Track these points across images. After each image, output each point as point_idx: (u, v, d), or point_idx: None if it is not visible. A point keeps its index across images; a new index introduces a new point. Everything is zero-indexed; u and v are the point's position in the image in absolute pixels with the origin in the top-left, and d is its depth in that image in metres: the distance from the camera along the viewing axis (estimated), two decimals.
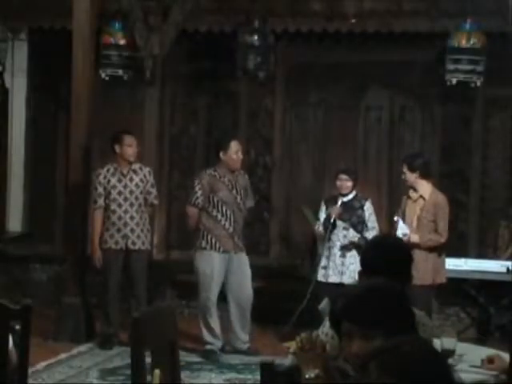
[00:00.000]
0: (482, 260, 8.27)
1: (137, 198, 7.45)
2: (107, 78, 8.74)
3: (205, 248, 7.27)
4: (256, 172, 9.30)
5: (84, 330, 7.62)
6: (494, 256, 8.51)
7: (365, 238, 7.41)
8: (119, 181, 7.45)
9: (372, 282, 2.90)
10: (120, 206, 7.41)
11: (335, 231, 7.52)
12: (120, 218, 7.40)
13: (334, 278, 7.44)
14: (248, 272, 7.37)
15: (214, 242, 7.26)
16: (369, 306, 2.63)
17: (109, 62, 8.68)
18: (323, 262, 7.54)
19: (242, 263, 7.35)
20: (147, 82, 8.52)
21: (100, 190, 7.44)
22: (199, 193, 7.30)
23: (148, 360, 3.35)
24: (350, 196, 7.58)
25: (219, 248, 7.27)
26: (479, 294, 8.24)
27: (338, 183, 7.56)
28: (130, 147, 7.47)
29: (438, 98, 8.96)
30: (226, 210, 7.27)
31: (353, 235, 7.49)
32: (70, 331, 7.57)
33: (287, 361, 3.75)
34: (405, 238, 6.77)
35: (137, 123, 8.77)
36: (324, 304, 7.64)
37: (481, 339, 7.82)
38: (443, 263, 7.18)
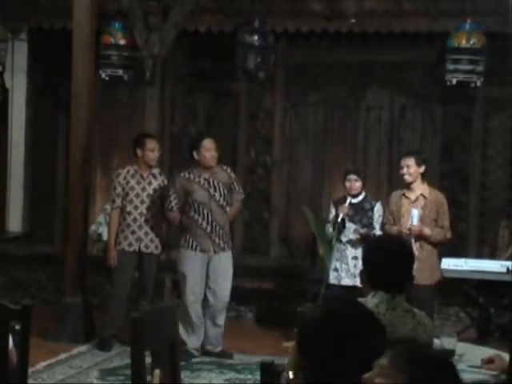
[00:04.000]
0: (481, 260, 8.28)
1: (154, 202, 7.45)
2: (107, 78, 8.74)
3: (182, 247, 7.22)
4: (256, 172, 9.32)
5: (84, 330, 7.61)
6: (493, 256, 8.52)
7: (374, 234, 7.29)
8: (138, 183, 7.43)
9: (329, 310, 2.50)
10: (136, 208, 7.40)
11: (346, 233, 7.43)
12: (135, 220, 7.39)
13: (346, 281, 7.30)
14: (225, 274, 7.21)
15: (191, 241, 7.18)
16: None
17: (109, 62, 8.68)
18: (334, 265, 7.42)
19: (221, 264, 7.21)
20: (147, 82, 8.52)
21: (119, 190, 7.43)
22: (172, 197, 7.22)
23: (148, 360, 3.36)
24: (360, 197, 7.44)
25: (196, 247, 7.17)
26: (479, 294, 8.24)
27: (348, 184, 7.40)
28: (151, 152, 7.43)
29: (438, 97, 8.96)
30: (202, 210, 7.16)
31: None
32: (70, 331, 7.57)
33: (287, 361, 3.75)
34: (413, 228, 6.86)
35: (137, 123, 8.77)
36: None
37: (481, 339, 7.82)
38: (440, 261, 7.33)
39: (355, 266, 7.24)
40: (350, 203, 7.39)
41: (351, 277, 7.28)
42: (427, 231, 6.93)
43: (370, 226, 7.37)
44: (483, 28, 8.04)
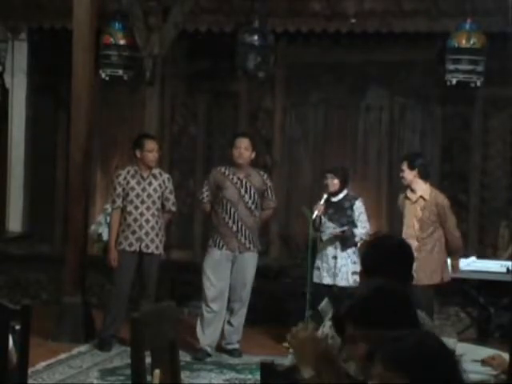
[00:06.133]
0: (481, 260, 8.28)
1: (154, 203, 7.44)
2: (107, 78, 8.75)
3: (210, 246, 7.33)
4: None
5: (84, 330, 7.61)
6: (493, 256, 8.52)
7: (352, 232, 7.32)
8: (138, 183, 7.44)
9: (375, 284, 2.86)
10: (136, 208, 7.41)
11: (327, 231, 7.43)
12: (135, 220, 7.39)
13: (327, 280, 7.35)
14: (246, 274, 7.32)
15: (218, 240, 7.29)
16: (371, 307, 2.62)
17: (109, 62, 8.68)
18: (317, 263, 7.48)
19: (244, 264, 7.31)
20: (147, 82, 8.52)
21: (119, 190, 7.43)
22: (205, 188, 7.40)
23: (148, 360, 3.35)
24: (341, 196, 7.48)
25: (223, 246, 7.28)
26: (479, 294, 8.24)
27: (325, 182, 7.51)
28: (150, 153, 7.43)
29: (438, 98, 8.96)
30: (230, 209, 7.28)
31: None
32: (70, 331, 7.57)
33: (287, 361, 3.75)
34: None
35: (137, 123, 8.77)
36: (324, 304, 7.65)
37: (481, 339, 7.82)
38: (447, 262, 7.26)
39: (335, 265, 7.31)
40: (328, 201, 7.43)
41: (331, 276, 7.34)
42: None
43: (350, 224, 7.38)
44: (483, 28, 8.05)
